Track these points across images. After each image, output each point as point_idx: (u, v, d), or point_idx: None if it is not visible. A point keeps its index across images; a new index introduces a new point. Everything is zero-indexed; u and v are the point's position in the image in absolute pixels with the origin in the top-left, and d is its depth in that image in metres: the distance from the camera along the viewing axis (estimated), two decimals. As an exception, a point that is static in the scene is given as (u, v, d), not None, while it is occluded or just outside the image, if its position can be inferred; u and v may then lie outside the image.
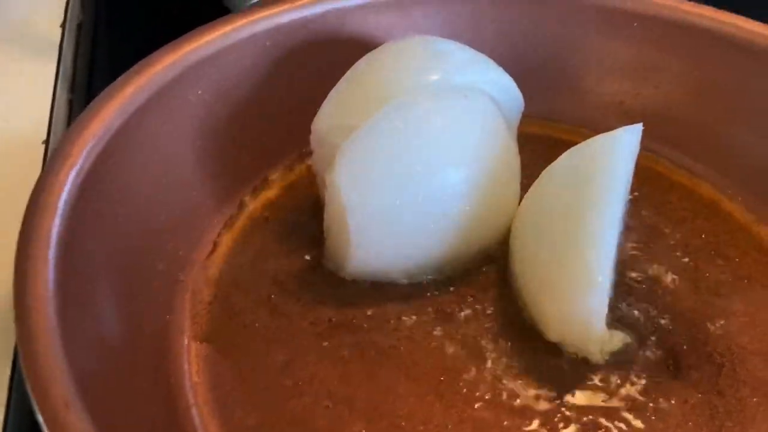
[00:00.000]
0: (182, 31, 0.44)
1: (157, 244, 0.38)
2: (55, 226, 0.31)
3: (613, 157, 0.37)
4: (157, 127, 0.39)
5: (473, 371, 0.36)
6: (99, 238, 0.34)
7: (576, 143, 0.48)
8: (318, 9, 0.47)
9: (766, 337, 0.39)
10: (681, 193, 0.47)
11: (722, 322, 0.40)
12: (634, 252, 0.43)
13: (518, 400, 0.35)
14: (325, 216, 0.40)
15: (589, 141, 0.39)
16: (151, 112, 0.39)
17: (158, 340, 0.36)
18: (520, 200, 0.41)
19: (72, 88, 0.58)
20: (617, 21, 0.48)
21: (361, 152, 0.38)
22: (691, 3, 0.47)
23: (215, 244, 0.42)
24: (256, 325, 0.38)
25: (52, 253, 0.30)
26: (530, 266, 0.38)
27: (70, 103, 0.56)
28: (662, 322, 0.39)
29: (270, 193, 0.45)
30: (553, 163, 0.40)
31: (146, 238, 0.37)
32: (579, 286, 0.35)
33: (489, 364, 0.37)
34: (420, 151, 0.38)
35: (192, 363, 0.36)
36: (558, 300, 0.36)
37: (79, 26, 0.64)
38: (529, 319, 0.38)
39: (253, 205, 0.44)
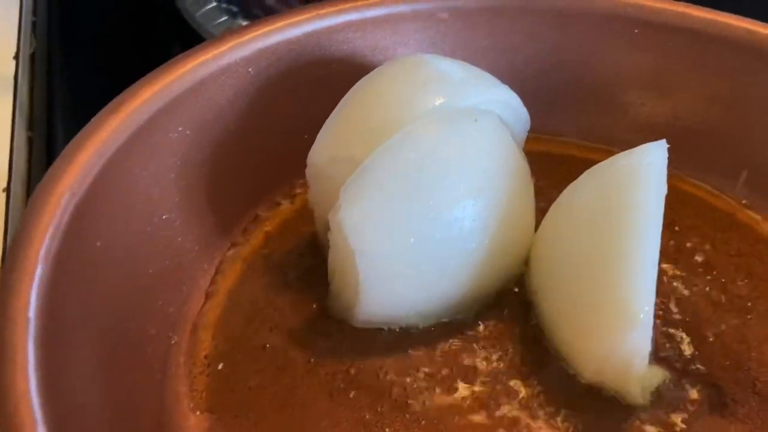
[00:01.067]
0: (143, 58, 0.40)
1: (146, 303, 0.34)
2: (31, 300, 0.27)
3: (646, 178, 0.34)
4: (138, 171, 0.35)
5: (506, 425, 0.33)
6: (83, 307, 0.30)
7: (584, 159, 0.46)
8: (302, 30, 0.43)
9: (807, 359, 0.37)
10: (697, 205, 0.44)
11: (760, 345, 0.37)
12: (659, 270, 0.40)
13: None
14: (330, 259, 0.36)
15: (612, 160, 0.36)
16: (131, 155, 0.35)
17: (155, 415, 0.32)
18: (536, 225, 0.38)
19: (30, 125, 0.53)
20: (617, 28, 0.46)
21: (368, 189, 0.34)
22: (698, 8, 0.45)
23: (207, 295, 0.38)
24: (261, 387, 0.34)
25: (30, 334, 0.26)
26: (558, 302, 0.35)
27: (30, 142, 0.52)
28: (698, 350, 0.37)
29: (262, 233, 0.41)
30: (572, 185, 0.37)
31: (133, 298, 0.33)
32: (620, 326, 0.32)
33: (522, 415, 0.34)
34: (434, 184, 0.34)
35: (194, 437, 0.32)
36: (596, 340, 0.33)
37: (33, 56, 0.59)
38: (558, 358, 0.35)
39: (246, 248, 0.40)
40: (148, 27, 0.64)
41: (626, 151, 0.36)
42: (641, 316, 0.31)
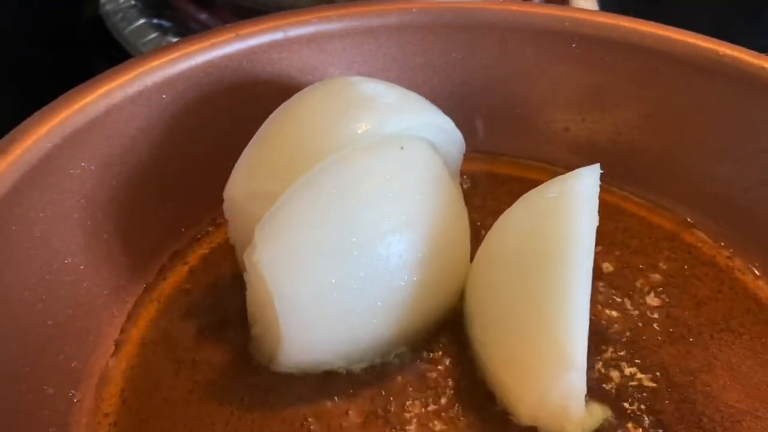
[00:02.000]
0: (70, 78, 0.37)
1: (44, 360, 0.31)
2: None
3: (576, 209, 0.32)
4: (33, 215, 0.32)
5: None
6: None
7: (525, 178, 0.44)
8: (221, 51, 0.40)
9: (752, 392, 0.35)
10: (640, 226, 0.43)
11: (704, 375, 0.35)
12: (600, 296, 0.38)
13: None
14: (248, 302, 0.34)
15: (543, 187, 0.34)
16: (22, 197, 0.32)
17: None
18: (472, 256, 0.36)
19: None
20: (557, 43, 0.44)
21: (285, 226, 0.32)
22: (632, 19, 0.43)
23: (117, 344, 0.35)
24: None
25: None
26: (493, 340, 0.33)
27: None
28: (640, 384, 0.35)
29: (181, 272, 0.38)
30: (505, 213, 0.35)
31: (29, 356, 0.30)
32: (554, 367, 0.30)
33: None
34: (357, 218, 0.32)
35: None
36: (530, 382, 0.31)
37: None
38: (496, 399, 0.33)
39: (162, 289, 0.38)
40: (73, 45, 0.61)
41: (557, 178, 0.34)
42: (575, 357, 0.29)
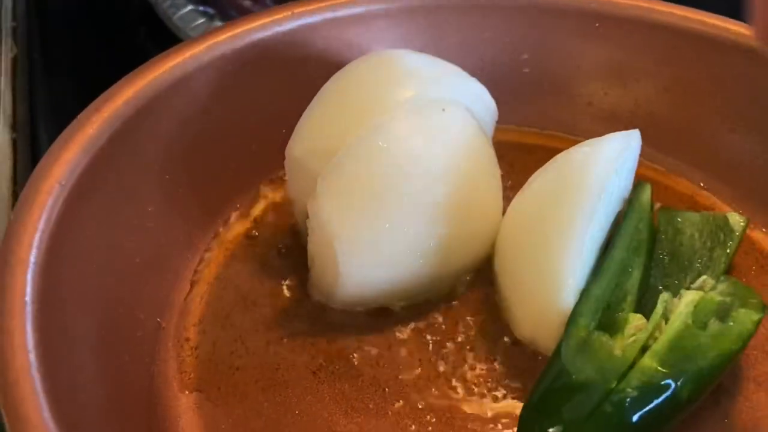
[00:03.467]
0: (122, 60, 0.41)
1: (135, 290, 0.36)
2: (27, 285, 0.28)
3: (594, 163, 0.36)
4: (124, 166, 0.37)
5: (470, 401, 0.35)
6: (75, 294, 0.31)
7: (551, 148, 0.48)
8: (280, 28, 0.45)
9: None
10: (657, 189, 0.47)
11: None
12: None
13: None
14: (309, 246, 0.38)
15: (573, 148, 0.38)
16: (116, 150, 0.36)
17: (146, 395, 0.33)
18: (504, 211, 0.40)
19: (14, 127, 0.54)
20: (581, 23, 0.48)
21: (343, 178, 0.36)
22: (656, 1, 0.47)
23: (192, 282, 0.40)
24: (246, 367, 0.36)
25: (27, 318, 0.27)
26: (510, 276, 0.38)
27: (14, 143, 0.53)
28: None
29: (245, 223, 0.43)
30: (536, 173, 0.40)
31: (123, 285, 0.35)
32: (551, 290, 0.35)
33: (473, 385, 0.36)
34: (404, 171, 0.36)
35: (182, 416, 0.34)
36: (531, 302, 0.36)
37: (14, 60, 0.61)
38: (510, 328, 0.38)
39: (229, 237, 0.42)
40: (126, 30, 0.66)
41: (590, 140, 0.38)
42: (569, 280, 0.34)
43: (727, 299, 0.35)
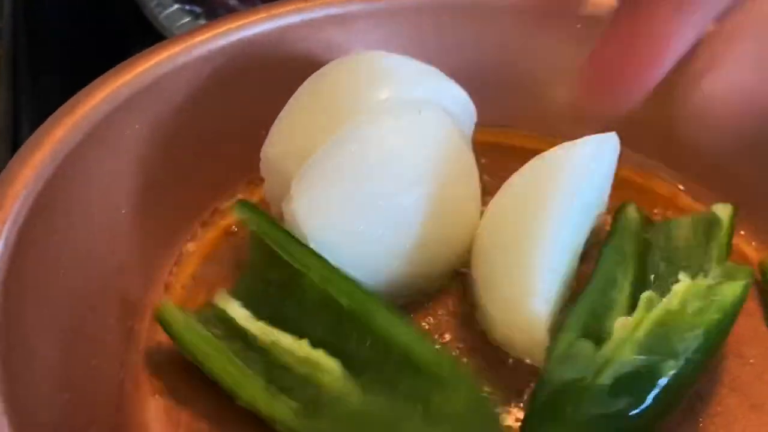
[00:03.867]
0: (108, 59, 0.41)
1: (106, 295, 0.35)
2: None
3: (567, 166, 0.36)
4: (95, 168, 0.37)
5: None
6: (40, 303, 0.31)
7: (532, 149, 0.48)
8: (258, 29, 0.44)
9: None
10: (637, 192, 0.47)
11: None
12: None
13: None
14: (284, 248, 0.38)
15: (551, 150, 0.38)
16: (87, 152, 0.36)
17: (114, 400, 0.33)
18: (482, 214, 0.40)
19: (-6, 125, 0.54)
20: (562, 24, 0.47)
21: (317, 179, 0.36)
22: (635, 2, 0.47)
23: (167, 285, 0.39)
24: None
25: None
26: (485, 279, 0.37)
27: (-6, 148, 0.53)
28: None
29: (221, 226, 0.43)
30: (514, 174, 0.39)
31: (93, 291, 0.35)
32: (520, 293, 0.34)
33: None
34: (380, 173, 0.36)
35: (151, 422, 0.33)
36: (503, 306, 0.35)
37: (-1, 59, 0.60)
38: (486, 332, 0.38)
39: (205, 239, 0.42)
40: (112, 30, 0.65)
41: (564, 144, 0.38)
42: (539, 285, 0.34)
43: (718, 281, 0.35)
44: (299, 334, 0.34)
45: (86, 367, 0.32)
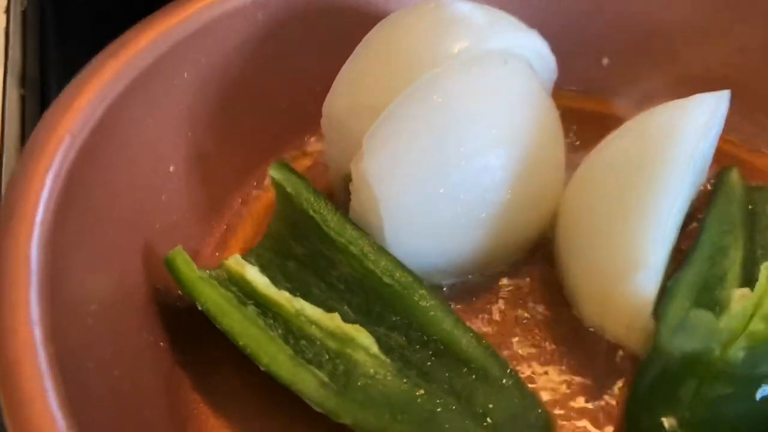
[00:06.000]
0: (139, 14, 0.37)
1: (153, 259, 0.32)
2: (32, 251, 0.24)
3: (682, 128, 0.32)
4: (142, 118, 0.33)
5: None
6: (86, 262, 0.27)
7: (612, 115, 0.44)
8: (314, -27, 0.40)
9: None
10: (733, 164, 0.42)
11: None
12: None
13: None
14: (351, 212, 0.34)
15: (654, 110, 0.34)
16: (133, 100, 0.32)
17: (163, 383, 0.29)
18: (566, 180, 0.36)
19: (23, 83, 0.50)
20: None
21: (393, 136, 0.32)
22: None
23: (217, 251, 0.36)
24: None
25: (32, 288, 0.23)
26: (575, 251, 0.33)
27: (23, 99, 0.49)
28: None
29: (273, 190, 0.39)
30: (606, 138, 0.35)
31: (140, 253, 0.31)
32: (623, 268, 0.30)
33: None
34: (462, 131, 0.32)
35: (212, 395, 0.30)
36: (599, 281, 0.31)
37: (24, 13, 0.56)
38: (573, 308, 0.34)
39: (257, 204, 0.38)
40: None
41: (674, 101, 0.34)
42: (646, 257, 0.30)
43: None
44: (325, 309, 0.30)
45: (137, 340, 0.29)
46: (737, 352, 0.27)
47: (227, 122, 0.38)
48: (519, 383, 0.30)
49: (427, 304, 0.30)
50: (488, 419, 0.29)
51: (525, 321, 0.34)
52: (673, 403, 0.27)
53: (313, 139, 0.41)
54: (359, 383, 0.28)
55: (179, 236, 0.34)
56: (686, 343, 0.28)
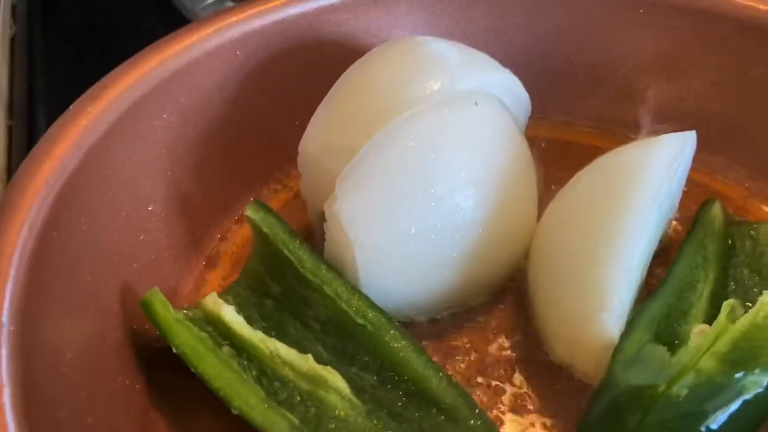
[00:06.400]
0: (127, 43, 0.38)
1: (131, 299, 0.32)
2: (5, 301, 0.25)
3: (648, 169, 0.33)
4: (122, 161, 0.34)
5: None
6: (60, 308, 0.28)
7: (588, 145, 0.45)
8: (292, 11, 0.41)
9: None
10: (704, 195, 0.43)
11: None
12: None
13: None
14: (326, 252, 0.35)
15: (623, 149, 0.34)
16: (113, 144, 0.33)
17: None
18: (539, 214, 0.37)
19: (10, 113, 0.51)
20: (623, 8, 0.44)
21: (366, 178, 0.33)
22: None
23: (196, 287, 0.36)
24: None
25: (2, 340, 0.24)
26: (546, 288, 0.34)
27: (10, 130, 0.50)
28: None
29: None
30: (578, 174, 0.36)
31: (117, 294, 0.32)
32: (590, 309, 0.31)
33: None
34: (434, 172, 0.33)
35: None
36: (568, 321, 0.32)
37: (12, 39, 0.57)
38: (544, 345, 0.34)
39: (237, 240, 0.39)
40: (132, 11, 0.62)
41: (640, 141, 0.35)
42: (611, 299, 0.31)
43: None
44: (299, 349, 0.31)
45: (111, 383, 0.29)
46: (681, 389, 0.28)
47: (207, 160, 0.38)
48: (488, 423, 0.30)
49: (398, 345, 0.31)
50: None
51: (495, 359, 0.34)
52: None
53: (294, 172, 0.42)
54: (330, 426, 0.29)
55: (158, 274, 0.34)
56: (636, 375, 0.29)
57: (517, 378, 0.34)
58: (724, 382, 0.28)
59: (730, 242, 0.37)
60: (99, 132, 0.32)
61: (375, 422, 0.29)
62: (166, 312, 0.31)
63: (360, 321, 0.31)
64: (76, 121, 0.32)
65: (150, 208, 0.35)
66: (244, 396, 0.29)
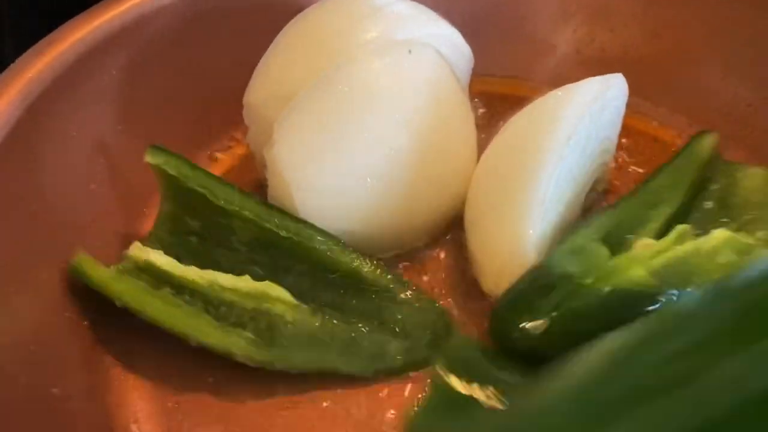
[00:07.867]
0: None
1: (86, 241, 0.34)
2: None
3: (564, 109, 0.34)
4: (71, 112, 0.35)
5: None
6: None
7: (533, 98, 0.46)
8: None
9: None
10: (644, 141, 0.44)
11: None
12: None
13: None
14: (269, 195, 0.36)
15: (551, 92, 0.36)
16: (58, 99, 0.34)
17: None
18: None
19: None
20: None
21: (300, 123, 0.34)
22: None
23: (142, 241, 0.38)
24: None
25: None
26: (477, 226, 0.35)
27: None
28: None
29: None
30: (513, 118, 0.37)
31: (76, 231, 0.33)
32: (513, 240, 0.33)
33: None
34: (367, 116, 0.34)
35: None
36: (493, 254, 0.34)
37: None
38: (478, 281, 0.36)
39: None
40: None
41: (565, 85, 0.36)
42: (528, 230, 0.32)
43: (759, 243, 0.33)
44: (234, 274, 0.33)
45: (56, 321, 0.31)
46: (606, 287, 0.30)
47: (159, 116, 0.40)
48: (421, 296, 0.34)
49: (325, 246, 0.33)
50: (398, 329, 0.33)
51: (435, 297, 0.36)
52: (535, 311, 0.31)
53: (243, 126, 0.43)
54: (283, 332, 0.32)
55: (105, 234, 0.36)
56: (571, 263, 0.31)
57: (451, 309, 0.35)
58: (646, 294, 0.30)
59: (709, 176, 0.38)
60: (44, 84, 0.33)
61: (323, 316, 0.32)
62: (98, 272, 0.32)
63: (285, 234, 0.33)
64: (22, 74, 0.33)
65: (98, 163, 0.36)
66: (197, 327, 0.31)
